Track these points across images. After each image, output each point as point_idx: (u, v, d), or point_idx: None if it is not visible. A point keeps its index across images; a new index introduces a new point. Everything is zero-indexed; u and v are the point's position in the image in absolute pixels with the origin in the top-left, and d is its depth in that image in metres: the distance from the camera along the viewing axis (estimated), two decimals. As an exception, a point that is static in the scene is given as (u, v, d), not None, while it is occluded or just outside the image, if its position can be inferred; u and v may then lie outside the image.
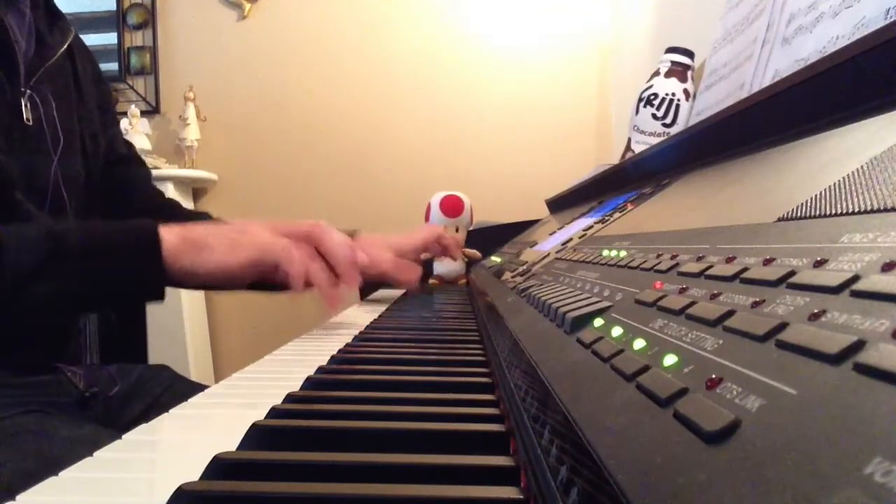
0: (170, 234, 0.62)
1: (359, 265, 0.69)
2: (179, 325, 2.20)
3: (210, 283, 0.65)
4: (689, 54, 0.96)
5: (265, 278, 0.66)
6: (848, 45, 0.33)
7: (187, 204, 2.39)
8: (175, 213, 0.98)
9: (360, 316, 0.82)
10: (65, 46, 0.79)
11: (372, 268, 0.86)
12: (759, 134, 0.44)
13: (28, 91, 0.73)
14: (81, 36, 0.90)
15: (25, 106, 0.72)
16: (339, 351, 0.52)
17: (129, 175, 0.93)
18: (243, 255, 0.63)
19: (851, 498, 0.10)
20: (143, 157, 2.29)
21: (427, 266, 1.21)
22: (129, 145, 0.98)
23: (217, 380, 0.56)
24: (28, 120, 0.72)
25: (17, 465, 0.53)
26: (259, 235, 0.65)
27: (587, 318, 0.30)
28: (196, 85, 2.41)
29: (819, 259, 0.19)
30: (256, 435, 0.30)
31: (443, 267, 1.26)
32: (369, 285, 1.28)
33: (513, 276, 0.66)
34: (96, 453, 0.29)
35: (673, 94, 0.94)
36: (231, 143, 2.47)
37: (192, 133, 2.38)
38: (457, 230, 1.27)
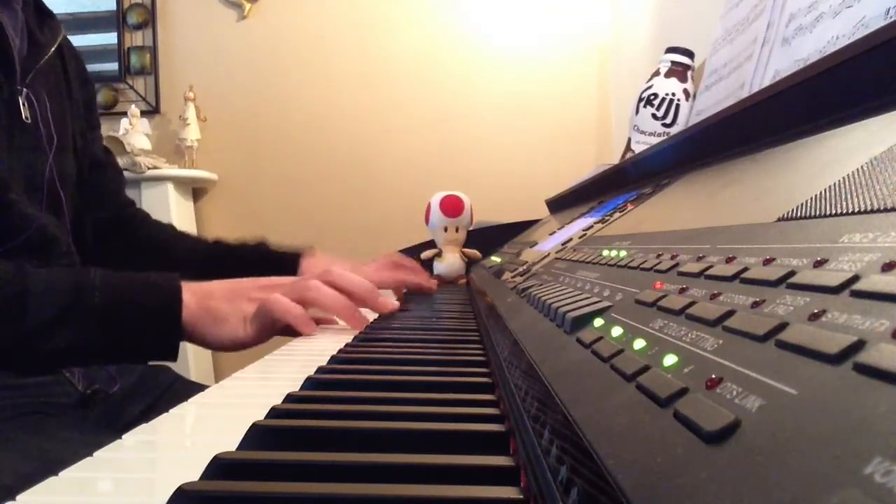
0: (191, 301, 0.62)
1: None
2: (179, 325, 2.20)
3: (224, 350, 0.66)
4: (689, 54, 0.96)
5: (278, 333, 0.66)
6: (848, 45, 0.33)
7: (187, 204, 2.39)
8: (137, 224, 0.98)
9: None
10: (56, 45, 0.79)
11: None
12: (759, 134, 0.44)
13: (24, 89, 0.73)
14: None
15: (23, 104, 0.72)
16: (339, 351, 0.52)
17: (103, 180, 0.93)
18: (251, 328, 0.64)
19: (851, 498, 0.10)
20: (144, 157, 2.29)
21: (427, 266, 1.21)
22: (108, 151, 0.98)
23: (217, 380, 0.56)
24: (26, 118, 0.72)
25: (17, 465, 0.53)
26: (263, 296, 0.64)
27: (587, 318, 0.30)
28: (196, 85, 2.41)
29: (819, 259, 0.19)
30: (256, 435, 0.30)
31: (443, 267, 1.26)
32: None
33: (513, 276, 0.66)
34: (96, 453, 0.29)
35: (673, 94, 0.94)
36: (231, 143, 2.47)
37: (192, 133, 2.38)
38: (457, 230, 1.27)
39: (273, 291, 0.65)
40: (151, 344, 0.61)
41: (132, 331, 0.60)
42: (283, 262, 0.96)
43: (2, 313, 0.55)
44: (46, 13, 0.81)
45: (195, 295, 0.63)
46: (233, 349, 0.65)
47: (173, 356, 0.62)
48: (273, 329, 0.65)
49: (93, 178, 0.90)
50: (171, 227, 1.04)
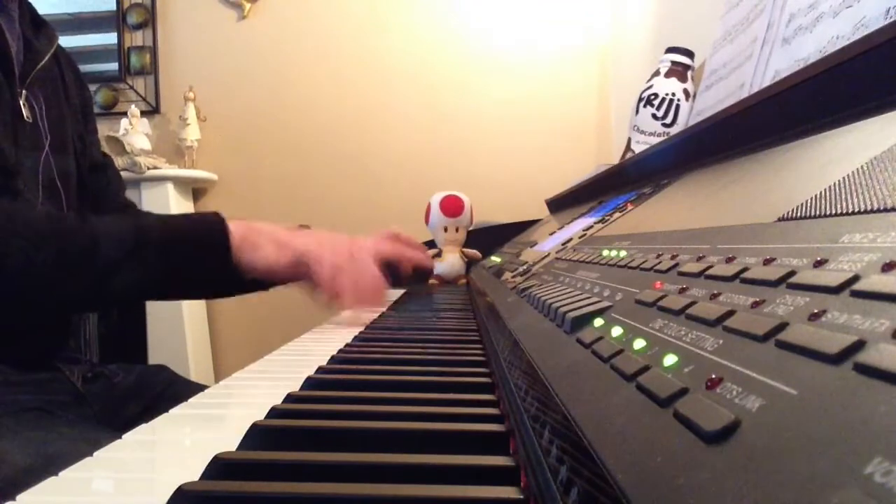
0: (236, 230, 0.70)
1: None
2: (179, 325, 2.20)
3: (258, 278, 0.73)
4: (689, 54, 0.96)
5: (300, 278, 0.75)
6: (848, 45, 0.33)
7: (188, 204, 2.39)
8: None
9: (360, 316, 0.82)
10: (52, 50, 0.81)
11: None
12: (759, 134, 0.44)
13: (24, 91, 0.74)
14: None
15: (24, 106, 0.73)
16: (339, 351, 0.52)
17: (102, 182, 0.93)
18: (285, 258, 0.72)
19: (851, 498, 0.10)
20: (144, 157, 2.29)
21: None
22: (105, 154, 0.98)
23: (217, 380, 0.56)
24: (28, 118, 0.73)
25: (17, 464, 0.53)
26: (299, 240, 0.74)
27: (587, 318, 0.30)
28: (196, 85, 2.41)
29: (819, 259, 0.19)
30: (256, 435, 0.30)
31: (443, 267, 1.26)
32: None
33: (513, 276, 0.66)
34: (96, 453, 0.29)
35: (673, 94, 0.94)
36: (231, 143, 2.46)
37: (192, 133, 2.37)
38: (457, 230, 1.27)
39: (322, 250, 0.74)
40: (209, 271, 0.69)
41: (189, 263, 0.68)
42: None
43: (78, 257, 0.61)
44: (41, 22, 0.83)
45: (238, 227, 0.71)
46: (268, 278, 0.74)
47: (230, 285, 0.73)
48: (301, 273, 0.74)
49: (92, 182, 0.90)
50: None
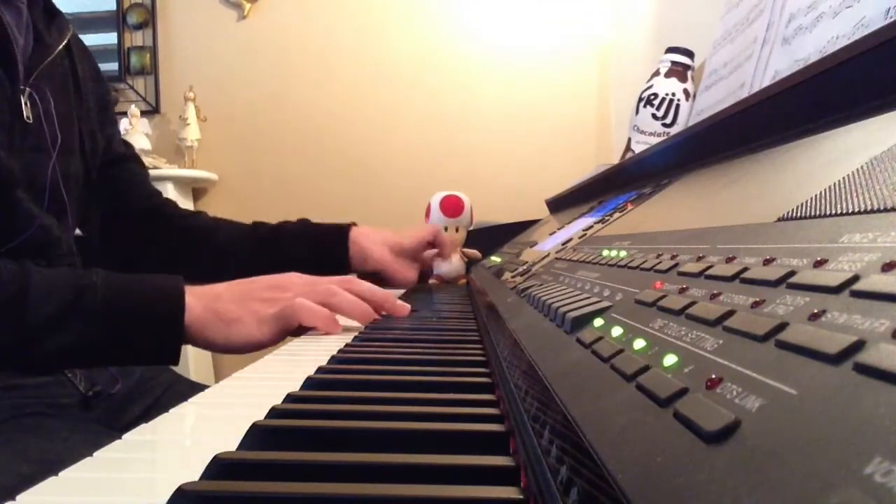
0: (196, 304, 0.61)
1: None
2: (179, 325, 2.20)
3: (235, 353, 0.65)
4: (689, 54, 0.96)
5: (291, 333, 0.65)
6: (848, 45, 0.33)
7: (187, 204, 2.39)
8: (171, 213, 0.98)
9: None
10: (63, 44, 0.79)
11: (368, 264, 0.87)
12: (759, 134, 0.44)
13: (27, 89, 0.73)
14: (81, 36, 0.90)
15: (25, 104, 0.72)
16: (339, 351, 0.52)
17: (126, 174, 0.93)
18: (267, 328, 0.63)
19: (851, 498, 0.10)
20: (143, 157, 2.30)
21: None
22: (128, 145, 0.98)
23: (217, 380, 0.56)
24: (28, 118, 0.72)
25: (18, 465, 0.53)
26: (275, 296, 0.64)
27: (587, 318, 0.30)
28: (196, 85, 2.41)
29: (819, 259, 0.19)
30: (256, 435, 0.30)
31: (443, 267, 1.26)
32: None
33: (513, 276, 0.66)
34: (96, 453, 0.29)
35: (673, 94, 0.94)
36: (231, 143, 2.47)
37: (192, 133, 2.38)
38: (457, 230, 1.27)
39: (283, 292, 0.64)
40: (152, 347, 0.60)
41: (133, 333, 0.59)
42: (327, 237, 0.98)
43: (2, 311, 0.55)
44: (55, 13, 0.81)
45: (201, 298, 0.62)
46: (246, 351, 0.64)
47: (174, 360, 0.62)
48: (289, 331, 0.64)
49: (116, 173, 0.90)
50: (205, 214, 1.04)
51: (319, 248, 0.97)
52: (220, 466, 0.26)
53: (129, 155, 0.96)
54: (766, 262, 0.22)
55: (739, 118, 0.47)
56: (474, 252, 1.29)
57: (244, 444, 0.29)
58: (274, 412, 0.34)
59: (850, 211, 0.21)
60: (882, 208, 0.20)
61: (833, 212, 0.22)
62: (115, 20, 2.46)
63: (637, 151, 0.94)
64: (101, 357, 0.62)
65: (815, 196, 0.25)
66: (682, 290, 0.25)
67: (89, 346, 0.58)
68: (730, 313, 0.19)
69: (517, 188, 2.25)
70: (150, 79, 2.48)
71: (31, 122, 0.72)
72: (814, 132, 0.35)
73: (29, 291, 0.56)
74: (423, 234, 1.02)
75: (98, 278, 0.60)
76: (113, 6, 2.45)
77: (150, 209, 0.96)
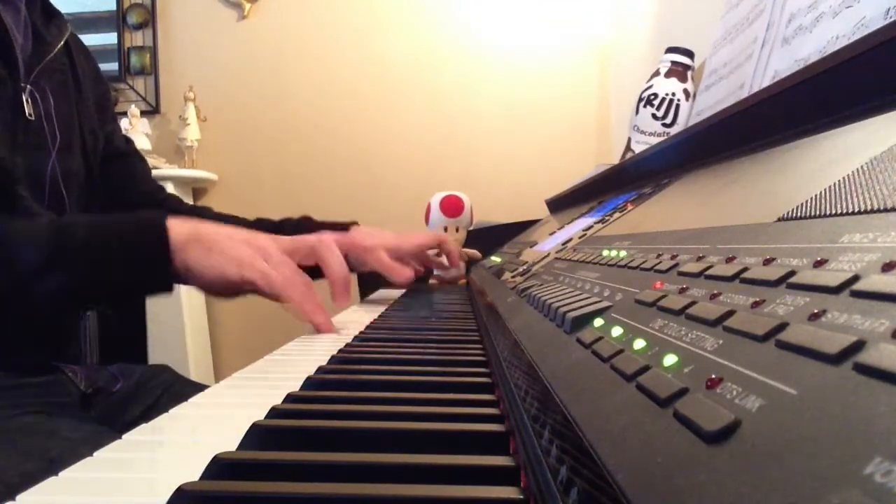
0: (180, 228, 0.61)
1: (349, 284, 0.73)
2: (179, 325, 2.20)
3: (210, 287, 0.64)
4: (689, 54, 0.96)
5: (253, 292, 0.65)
6: (848, 45, 0.33)
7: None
8: (176, 209, 0.99)
9: (360, 316, 0.82)
10: (62, 42, 0.80)
11: (365, 264, 0.87)
12: (759, 134, 0.44)
13: (28, 87, 0.73)
14: (81, 36, 0.90)
15: (27, 101, 0.72)
16: (339, 351, 0.52)
17: (128, 170, 0.93)
18: (239, 275, 0.62)
19: (851, 498, 0.10)
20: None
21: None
22: (129, 141, 0.98)
23: (217, 380, 0.56)
24: (30, 115, 0.72)
25: (18, 465, 0.53)
26: (241, 251, 0.63)
27: (587, 318, 0.30)
28: (196, 85, 2.41)
29: (819, 259, 0.19)
30: (256, 435, 0.30)
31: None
32: (368, 284, 1.28)
33: (513, 276, 0.66)
34: (96, 453, 0.29)
35: (673, 94, 0.94)
36: (231, 143, 2.47)
37: (192, 133, 2.38)
38: (457, 230, 1.27)
39: (263, 260, 0.64)
40: (141, 275, 0.60)
41: (119, 263, 0.59)
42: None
43: None
44: (53, 12, 0.82)
45: (184, 223, 0.62)
46: (221, 290, 0.64)
47: (167, 287, 0.61)
48: (254, 292, 0.64)
49: (118, 169, 0.90)
50: (209, 210, 1.04)
51: None
52: (220, 466, 0.26)
53: (130, 151, 0.96)
54: (766, 262, 0.22)
55: (739, 118, 0.47)
56: (474, 252, 1.29)
57: (244, 444, 0.29)
58: (274, 412, 0.34)
59: (850, 211, 0.21)
60: (882, 208, 0.20)
61: (833, 212, 0.22)
62: (115, 20, 2.46)
63: (637, 151, 0.94)
64: (96, 294, 0.62)
65: (815, 196, 0.25)
66: (682, 290, 0.25)
67: (81, 284, 0.58)
68: (730, 313, 0.19)
69: (517, 188, 2.25)
70: (150, 79, 2.48)
71: (32, 119, 0.73)
72: (814, 132, 0.35)
73: (12, 242, 0.56)
74: (423, 241, 1.01)
75: (78, 217, 0.61)
76: (113, 6, 2.45)
77: (153, 205, 0.96)
